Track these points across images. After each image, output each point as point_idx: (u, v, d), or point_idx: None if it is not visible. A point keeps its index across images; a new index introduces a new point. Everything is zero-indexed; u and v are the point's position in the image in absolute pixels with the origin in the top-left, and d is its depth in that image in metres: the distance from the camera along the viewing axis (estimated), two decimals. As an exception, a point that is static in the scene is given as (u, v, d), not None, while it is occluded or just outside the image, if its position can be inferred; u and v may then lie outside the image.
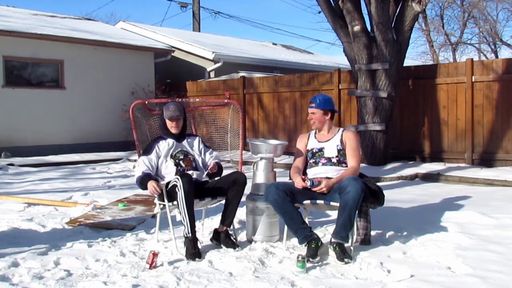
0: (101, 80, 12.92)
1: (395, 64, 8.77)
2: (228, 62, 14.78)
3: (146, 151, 4.12)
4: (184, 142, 4.24)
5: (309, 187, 3.77)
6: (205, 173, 4.13)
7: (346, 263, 3.50)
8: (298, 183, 3.82)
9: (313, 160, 4.09)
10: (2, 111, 11.39)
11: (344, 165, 4.00)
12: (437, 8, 22.94)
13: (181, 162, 4.11)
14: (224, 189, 4.05)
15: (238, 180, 4.02)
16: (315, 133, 4.23)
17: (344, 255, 3.55)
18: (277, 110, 11.67)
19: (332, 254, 3.62)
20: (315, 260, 3.53)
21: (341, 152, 4.01)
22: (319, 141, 4.13)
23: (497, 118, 8.59)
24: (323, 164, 4.02)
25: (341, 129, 4.20)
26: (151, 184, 3.82)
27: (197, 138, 4.34)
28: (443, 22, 23.15)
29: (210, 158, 4.25)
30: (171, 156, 4.11)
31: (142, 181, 3.92)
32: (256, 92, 12.05)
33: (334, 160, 4.01)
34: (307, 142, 4.20)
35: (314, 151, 4.10)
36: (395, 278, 3.22)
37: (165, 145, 4.13)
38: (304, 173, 4.12)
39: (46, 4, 51.22)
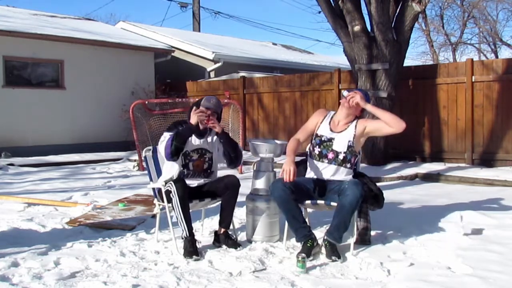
0: (101, 80, 12.92)
1: (395, 64, 8.76)
2: (228, 62, 14.78)
3: (170, 129, 3.90)
4: (206, 139, 4.03)
5: (344, 95, 3.98)
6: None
7: (333, 261, 3.57)
8: (287, 172, 3.64)
9: (319, 150, 3.94)
10: (2, 111, 11.38)
11: (348, 165, 3.91)
12: (437, 8, 23.00)
13: (190, 164, 3.98)
14: (218, 192, 4.02)
15: (230, 184, 3.98)
16: (331, 117, 4.04)
17: (333, 253, 3.62)
18: (277, 110, 11.67)
19: (323, 250, 3.70)
20: (308, 259, 3.54)
21: (350, 149, 3.89)
22: (331, 130, 3.97)
23: (497, 118, 8.59)
24: (328, 162, 3.91)
25: (357, 119, 4.00)
26: (193, 114, 3.82)
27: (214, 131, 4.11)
28: (443, 22, 23.20)
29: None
30: (184, 154, 3.94)
31: (176, 136, 3.77)
32: (256, 92, 12.06)
33: (340, 157, 3.88)
34: (320, 124, 4.01)
35: (322, 139, 3.95)
36: (395, 278, 3.22)
37: None
38: (301, 166, 4.05)
39: (46, 4, 51.32)
